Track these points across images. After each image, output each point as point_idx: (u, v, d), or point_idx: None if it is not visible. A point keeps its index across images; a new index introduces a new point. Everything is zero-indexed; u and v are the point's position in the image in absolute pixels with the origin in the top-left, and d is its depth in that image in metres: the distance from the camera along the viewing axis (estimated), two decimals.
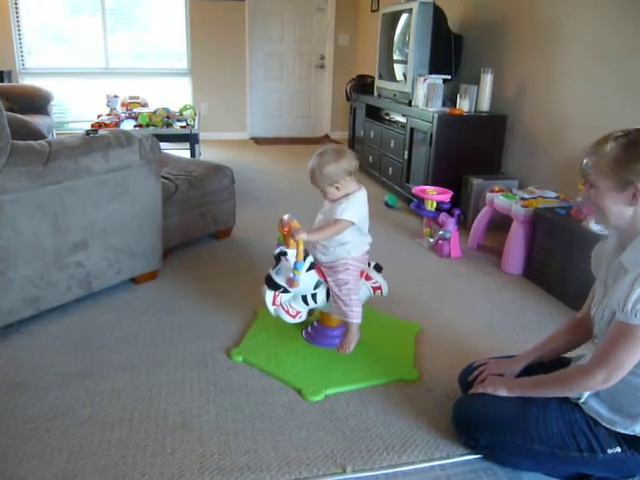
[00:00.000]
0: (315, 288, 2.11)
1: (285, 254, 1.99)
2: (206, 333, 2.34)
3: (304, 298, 2.14)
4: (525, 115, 3.82)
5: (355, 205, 2.04)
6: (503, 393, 1.61)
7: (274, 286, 2.06)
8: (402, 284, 2.83)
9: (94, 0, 6.63)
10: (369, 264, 2.26)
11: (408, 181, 4.33)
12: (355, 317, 2.14)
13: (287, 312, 2.13)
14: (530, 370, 1.70)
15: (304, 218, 2.16)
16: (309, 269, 2.04)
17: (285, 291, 2.08)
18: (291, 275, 1.99)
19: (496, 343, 2.32)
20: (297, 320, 2.17)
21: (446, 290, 2.86)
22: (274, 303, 2.10)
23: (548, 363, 1.71)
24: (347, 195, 2.05)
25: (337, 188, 2.03)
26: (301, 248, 1.95)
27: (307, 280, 2.06)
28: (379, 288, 2.26)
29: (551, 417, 1.52)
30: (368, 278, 2.23)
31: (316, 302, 2.15)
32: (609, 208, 1.40)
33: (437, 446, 1.70)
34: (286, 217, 2.05)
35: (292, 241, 1.96)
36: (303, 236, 1.94)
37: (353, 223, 2.03)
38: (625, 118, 2.89)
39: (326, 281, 2.12)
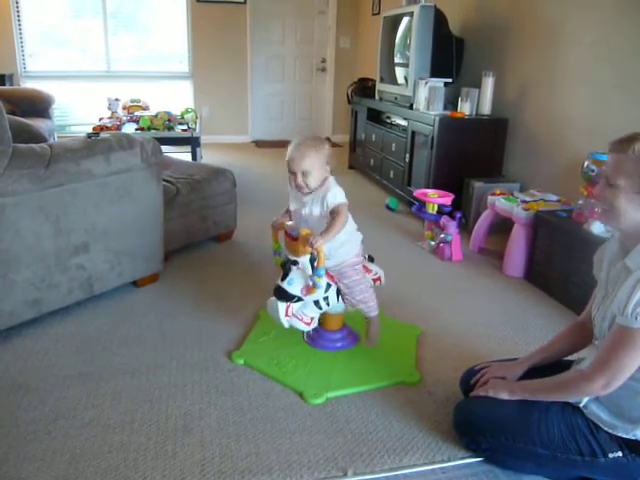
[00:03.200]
0: (326, 291, 2.09)
1: (297, 263, 1.96)
2: (207, 336, 2.34)
3: (316, 303, 2.10)
4: (526, 118, 3.82)
5: (336, 186, 2.00)
6: (504, 396, 1.61)
7: (287, 297, 2.00)
8: (403, 287, 2.83)
9: (95, 3, 6.65)
10: (364, 257, 2.26)
11: (409, 184, 4.33)
12: (373, 310, 2.16)
13: (302, 320, 2.08)
14: (532, 373, 1.70)
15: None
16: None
17: (298, 300, 2.03)
18: (310, 283, 1.95)
19: (497, 345, 2.32)
20: (312, 326, 2.13)
21: (447, 293, 2.86)
22: (287, 315, 2.04)
23: (549, 366, 1.71)
24: (323, 182, 2.00)
25: (326, 170, 1.99)
26: (322, 254, 1.89)
27: (321, 284, 2.04)
28: (378, 279, 2.27)
29: (553, 420, 1.52)
30: (368, 271, 2.23)
31: (329, 305, 2.13)
32: (624, 209, 1.38)
33: (438, 449, 1.70)
34: (290, 224, 2.01)
35: (305, 249, 1.91)
36: (322, 241, 1.88)
37: (347, 203, 1.99)
38: (626, 120, 2.89)
39: (334, 282, 2.11)
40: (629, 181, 1.35)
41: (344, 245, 2.05)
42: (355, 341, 2.27)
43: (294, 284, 2.00)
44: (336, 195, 1.96)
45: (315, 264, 1.92)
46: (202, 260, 3.21)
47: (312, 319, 2.12)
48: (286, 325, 2.07)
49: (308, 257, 1.94)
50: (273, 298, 2.04)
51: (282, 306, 2.02)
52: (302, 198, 2.04)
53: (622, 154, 1.37)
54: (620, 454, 1.45)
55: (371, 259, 2.29)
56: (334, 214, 1.95)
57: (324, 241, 1.89)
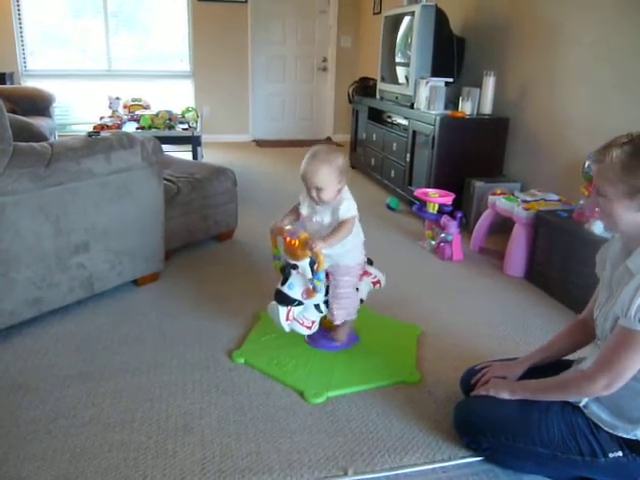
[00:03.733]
0: (326, 294, 2.09)
1: (296, 267, 1.95)
2: (208, 335, 2.34)
3: (317, 306, 2.10)
4: (527, 118, 3.82)
5: (350, 199, 2.00)
6: (505, 396, 1.60)
7: (288, 301, 2.00)
8: (404, 286, 2.83)
9: (96, 2, 6.65)
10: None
11: (410, 184, 4.33)
12: (336, 319, 2.13)
13: (302, 324, 2.08)
14: (533, 372, 1.70)
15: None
16: None
17: (299, 304, 2.03)
18: (310, 286, 1.95)
19: (498, 345, 2.32)
20: (313, 330, 2.13)
21: (448, 292, 2.86)
22: (287, 319, 2.04)
23: (550, 365, 1.71)
24: (337, 193, 1.99)
25: (339, 182, 1.96)
26: (322, 258, 1.88)
27: (322, 288, 2.02)
28: (378, 282, 2.26)
29: (553, 420, 1.51)
30: (367, 274, 2.23)
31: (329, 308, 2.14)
32: (620, 215, 1.38)
33: (439, 448, 1.70)
34: (289, 227, 2.00)
35: (304, 252, 1.90)
36: (322, 245, 1.88)
37: (356, 216, 2.00)
38: (627, 120, 2.89)
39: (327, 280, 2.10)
40: (615, 189, 1.36)
41: (349, 252, 2.06)
42: (355, 341, 2.27)
43: (294, 288, 1.99)
44: (349, 209, 1.96)
45: (315, 268, 1.92)
46: (203, 259, 3.21)
47: (313, 323, 2.12)
48: (287, 329, 2.07)
49: (307, 261, 1.93)
50: (274, 302, 2.04)
51: (283, 310, 2.02)
52: (315, 206, 2.04)
53: (602, 164, 1.38)
54: (620, 454, 1.45)
55: (370, 262, 2.28)
56: (341, 224, 1.96)
57: (324, 245, 1.89)
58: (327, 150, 2.00)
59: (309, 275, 1.94)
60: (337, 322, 2.14)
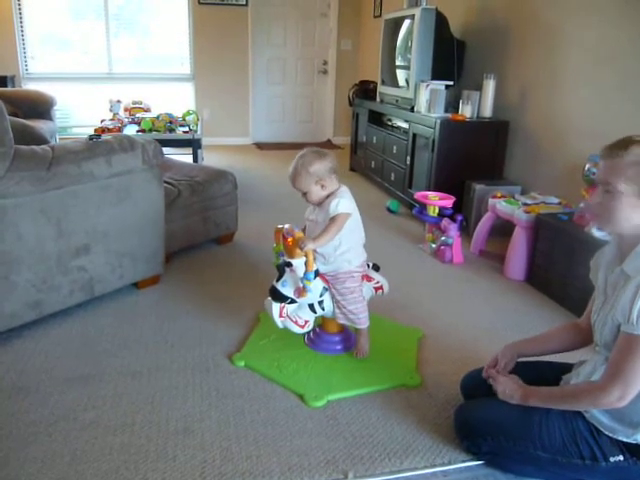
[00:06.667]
0: (321, 295, 2.10)
1: (290, 265, 1.97)
2: (208, 338, 2.34)
3: (311, 306, 2.11)
4: (527, 121, 3.82)
5: (345, 198, 2.02)
6: (515, 401, 1.58)
7: (281, 298, 2.03)
8: (404, 289, 2.83)
9: (97, 5, 6.67)
10: (368, 265, 2.26)
11: (410, 186, 4.33)
12: (363, 323, 2.14)
13: (295, 323, 2.09)
14: (535, 377, 1.67)
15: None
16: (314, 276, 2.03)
17: (292, 302, 2.05)
18: (301, 285, 1.97)
19: (498, 348, 2.30)
20: (306, 329, 2.14)
21: (448, 295, 2.86)
22: (281, 315, 2.06)
23: (550, 369, 1.71)
24: (332, 193, 2.04)
25: (322, 186, 2.01)
26: (311, 258, 1.92)
27: (314, 288, 2.04)
28: (380, 288, 2.26)
29: (554, 424, 1.51)
30: (369, 279, 2.23)
31: (323, 309, 2.14)
32: (622, 214, 1.36)
33: (439, 452, 1.70)
34: (287, 226, 2.02)
35: (297, 251, 1.93)
36: (311, 246, 1.91)
37: (349, 214, 2.01)
38: (627, 122, 2.89)
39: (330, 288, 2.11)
40: (629, 187, 1.34)
41: (344, 254, 2.06)
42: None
43: (287, 286, 2.02)
44: (338, 205, 1.98)
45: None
46: (203, 262, 3.21)
47: (306, 322, 2.13)
48: (280, 326, 2.09)
49: (303, 260, 1.95)
50: (269, 298, 2.06)
51: (276, 306, 2.05)
52: (311, 205, 2.11)
53: (619, 159, 1.35)
54: (621, 458, 1.45)
55: (376, 268, 2.27)
56: (330, 221, 1.98)
57: (313, 246, 1.93)
58: (311, 155, 2.03)
59: (301, 274, 1.96)
60: (361, 326, 2.15)
